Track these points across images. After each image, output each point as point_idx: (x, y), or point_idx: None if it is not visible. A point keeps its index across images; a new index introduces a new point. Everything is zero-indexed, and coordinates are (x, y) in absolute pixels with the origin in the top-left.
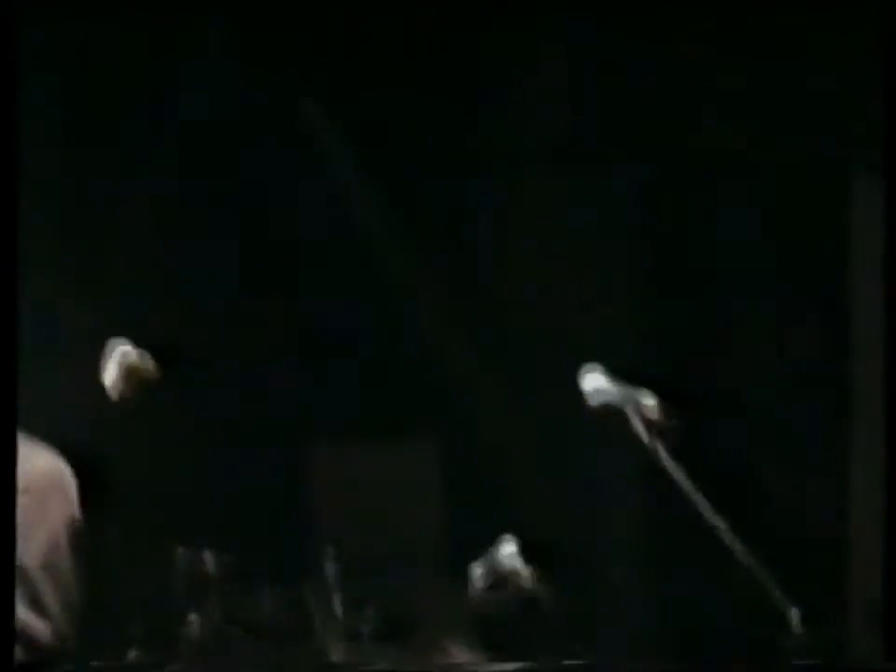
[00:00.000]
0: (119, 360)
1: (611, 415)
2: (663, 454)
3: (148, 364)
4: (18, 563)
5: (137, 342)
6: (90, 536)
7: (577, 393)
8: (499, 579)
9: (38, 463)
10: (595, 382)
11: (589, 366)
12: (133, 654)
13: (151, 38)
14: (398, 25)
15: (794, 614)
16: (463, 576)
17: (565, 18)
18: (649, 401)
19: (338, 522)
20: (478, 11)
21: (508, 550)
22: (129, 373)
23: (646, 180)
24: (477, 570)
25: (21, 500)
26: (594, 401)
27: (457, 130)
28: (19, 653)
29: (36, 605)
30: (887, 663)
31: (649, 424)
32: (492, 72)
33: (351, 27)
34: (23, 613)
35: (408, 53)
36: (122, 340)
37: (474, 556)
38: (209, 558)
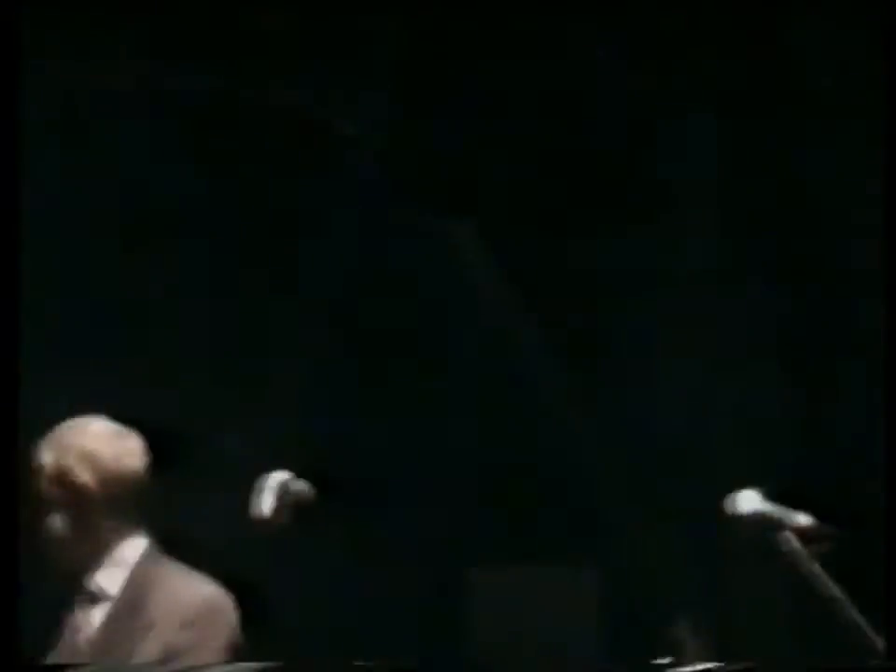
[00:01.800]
0: (275, 487)
1: (767, 537)
2: (818, 571)
3: (305, 490)
4: None
5: (291, 469)
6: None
7: (728, 517)
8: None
9: (201, 594)
10: (750, 504)
11: (743, 490)
12: None
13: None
14: (535, 157)
15: None
16: None
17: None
18: (804, 521)
19: (494, 644)
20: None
21: None
22: (285, 501)
23: (791, 302)
24: None
25: (185, 634)
26: (749, 523)
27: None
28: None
29: None
30: (886, 662)
31: (805, 543)
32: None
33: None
34: None
35: (549, 184)
36: (277, 468)
37: None
38: None
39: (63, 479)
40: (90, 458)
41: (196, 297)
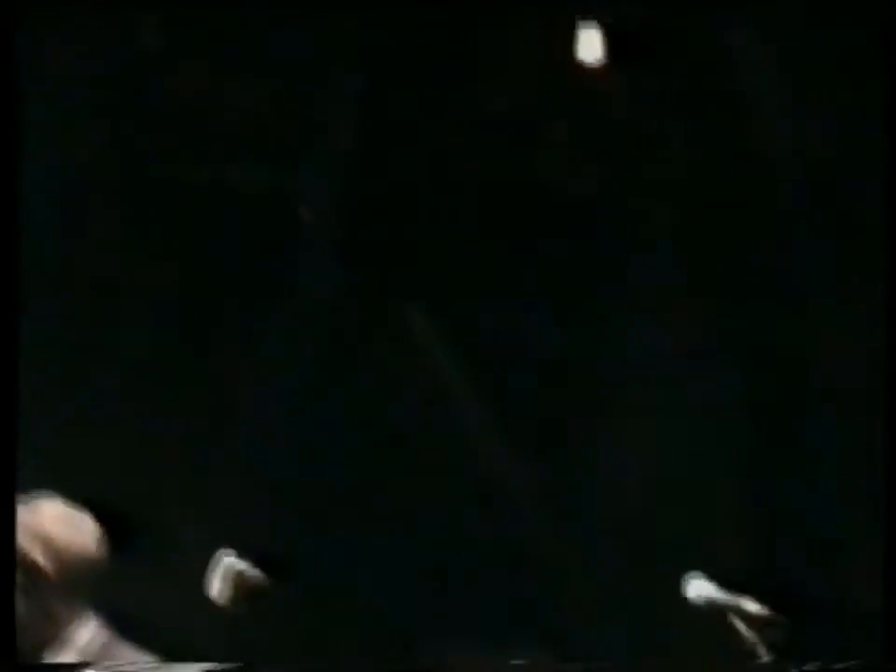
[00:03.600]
0: (223, 572)
1: (715, 621)
2: (764, 653)
3: (255, 575)
4: None
5: (242, 553)
6: None
7: (682, 601)
8: None
9: None
10: (699, 589)
11: (693, 573)
12: None
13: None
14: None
15: None
16: None
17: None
18: (752, 607)
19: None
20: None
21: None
22: (237, 585)
23: (748, 385)
24: None
25: None
26: (698, 608)
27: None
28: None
29: None
30: (887, 663)
31: (752, 628)
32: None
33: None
34: None
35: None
36: (229, 552)
37: None
38: None
39: (19, 561)
40: (46, 541)
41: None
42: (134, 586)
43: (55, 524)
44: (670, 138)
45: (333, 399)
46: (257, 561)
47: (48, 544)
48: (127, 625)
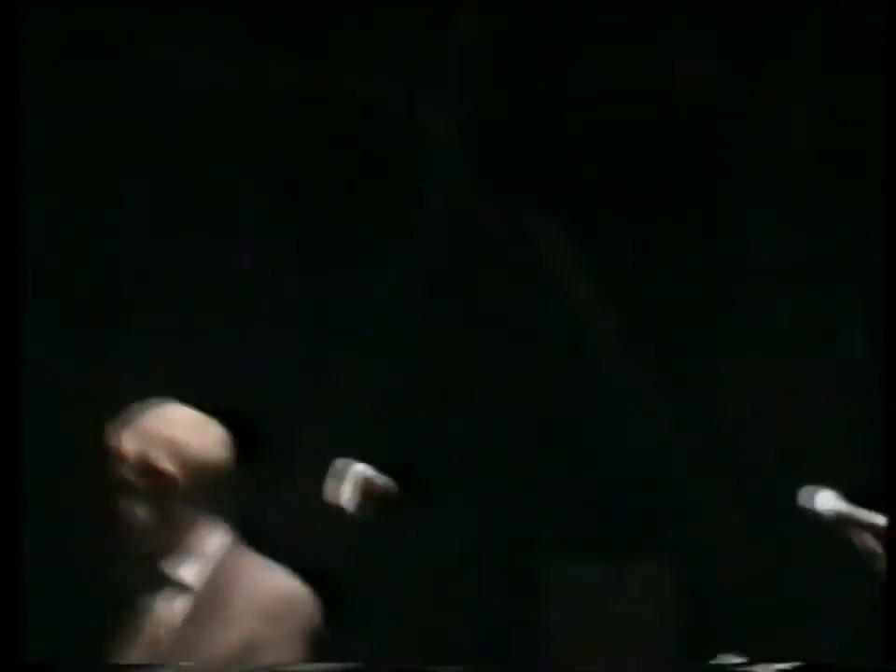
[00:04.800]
0: (356, 480)
1: (842, 535)
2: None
3: (387, 485)
4: None
5: (368, 461)
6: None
7: (806, 515)
8: None
9: (282, 589)
10: (824, 501)
11: (820, 488)
12: None
13: None
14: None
15: None
16: None
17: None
18: (877, 520)
19: (570, 640)
20: None
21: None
22: (366, 493)
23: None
24: None
25: (266, 629)
26: (825, 521)
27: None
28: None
29: None
30: (886, 663)
31: (877, 541)
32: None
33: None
34: None
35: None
36: (352, 460)
37: None
38: None
39: (147, 467)
40: (176, 448)
41: (271, 279)
42: (259, 495)
43: (187, 432)
44: None
45: (454, 310)
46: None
47: (176, 450)
48: (253, 533)
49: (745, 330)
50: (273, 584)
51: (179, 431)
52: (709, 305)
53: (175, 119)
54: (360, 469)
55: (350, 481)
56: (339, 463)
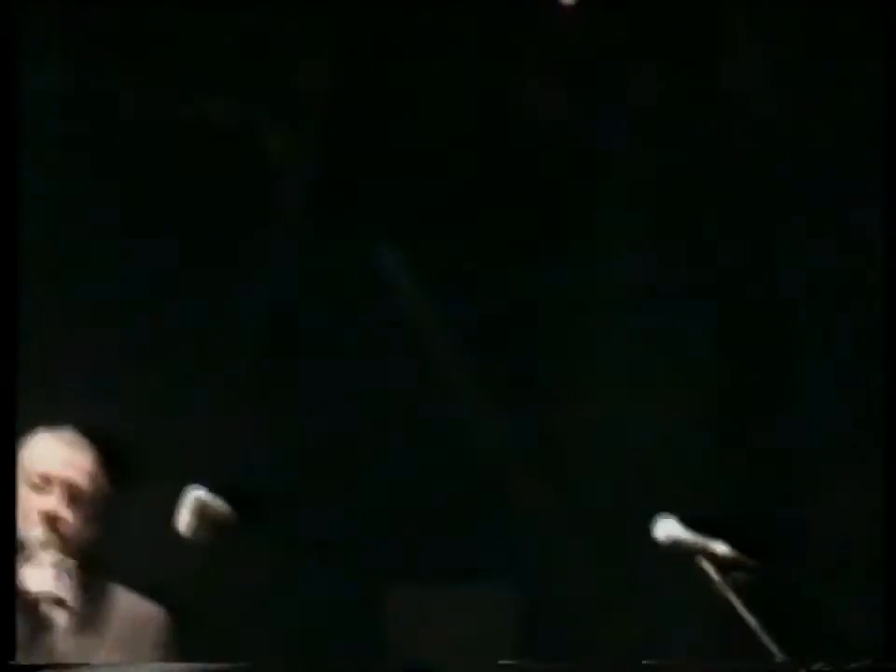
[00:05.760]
0: (191, 504)
1: (684, 563)
2: (733, 598)
3: (221, 507)
4: None
5: (212, 487)
6: None
7: (650, 541)
8: None
9: (130, 607)
10: (668, 530)
11: (663, 515)
12: None
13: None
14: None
15: None
16: None
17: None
18: (720, 549)
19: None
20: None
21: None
22: (203, 518)
23: (719, 323)
24: None
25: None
26: (667, 549)
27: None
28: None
29: None
30: (887, 663)
31: (721, 570)
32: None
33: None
34: None
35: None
36: (197, 486)
37: None
38: None
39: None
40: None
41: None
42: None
43: (82, 453)
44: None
45: (304, 337)
46: (229, 498)
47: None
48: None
49: (592, 352)
50: (136, 605)
51: (76, 452)
52: (556, 332)
53: None
54: (196, 493)
55: (187, 505)
56: (186, 490)
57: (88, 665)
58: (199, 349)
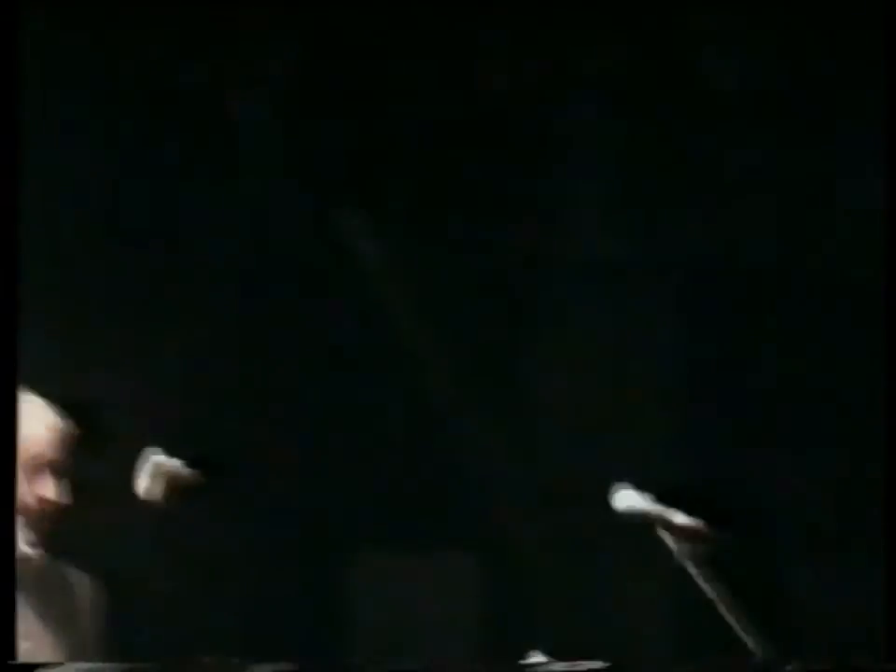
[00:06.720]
0: (149, 467)
1: (643, 533)
2: (692, 569)
3: (183, 472)
4: None
5: (172, 451)
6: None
7: (610, 510)
8: None
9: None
10: (627, 500)
11: (622, 484)
12: None
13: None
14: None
15: None
16: None
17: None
18: (680, 519)
19: (373, 636)
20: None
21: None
22: (163, 482)
23: (683, 296)
24: None
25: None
26: (626, 519)
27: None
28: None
29: None
30: (887, 663)
31: (680, 540)
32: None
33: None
34: None
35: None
36: (156, 449)
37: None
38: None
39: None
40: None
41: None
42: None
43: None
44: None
45: (273, 305)
46: (192, 462)
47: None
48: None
49: (558, 329)
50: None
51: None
52: (520, 301)
53: None
54: (155, 457)
55: (146, 469)
56: (145, 454)
57: (83, 663)
58: (166, 314)
